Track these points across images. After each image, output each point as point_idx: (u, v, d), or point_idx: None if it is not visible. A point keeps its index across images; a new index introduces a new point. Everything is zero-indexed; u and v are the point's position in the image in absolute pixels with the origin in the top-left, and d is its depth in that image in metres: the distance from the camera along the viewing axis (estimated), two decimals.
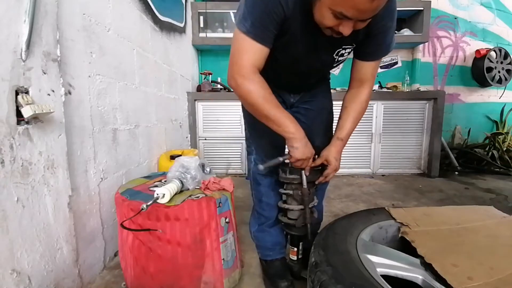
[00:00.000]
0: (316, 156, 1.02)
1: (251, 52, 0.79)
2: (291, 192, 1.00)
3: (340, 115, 1.02)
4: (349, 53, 0.93)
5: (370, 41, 0.89)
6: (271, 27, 0.78)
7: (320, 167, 1.01)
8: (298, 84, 1.08)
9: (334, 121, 1.13)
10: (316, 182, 1.00)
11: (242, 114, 1.14)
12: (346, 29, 0.71)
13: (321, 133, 1.14)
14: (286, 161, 0.95)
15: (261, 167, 0.95)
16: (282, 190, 1.04)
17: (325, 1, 0.68)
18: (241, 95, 0.83)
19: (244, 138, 1.15)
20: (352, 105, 0.98)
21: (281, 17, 0.77)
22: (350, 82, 1.01)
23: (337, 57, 0.92)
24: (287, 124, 0.85)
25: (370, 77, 0.96)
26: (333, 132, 1.05)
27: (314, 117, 1.13)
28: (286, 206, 1.02)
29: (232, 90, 1.11)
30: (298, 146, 0.87)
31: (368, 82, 0.97)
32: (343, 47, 0.89)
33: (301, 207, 0.98)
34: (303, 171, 0.93)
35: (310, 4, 0.75)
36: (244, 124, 1.16)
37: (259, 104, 0.82)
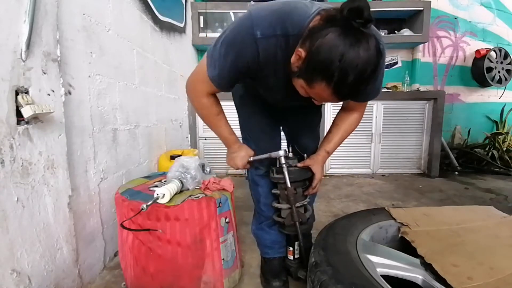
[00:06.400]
0: (305, 155, 1.05)
1: (209, 88, 0.85)
2: (279, 191, 1.02)
3: (330, 128, 1.04)
4: None
5: None
6: (233, 81, 0.83)
7: (307, 170, 1.01)
8: (284, 108, 1.12)
9: (329, 121, 1.14)
10: (306, 193, 1.02)
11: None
12: (318, 102, 0.76)
13: (306, 132, 1.16)
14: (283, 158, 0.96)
15: (250, 159, 1.01)
16: (273, 190, 1.06)
17: (301, 83, 0.70)
18: (193, 107, 0.96)
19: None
20: (342, 124, 1.01)
21: (249, 73, 0.80)
22: (341, 106, 1.01)
23: None
24: (223, 139, 1.01)
25: (360, 108, 0.98)
26: (321, 135, 1.09)
27: (301, 115, 1.15)
28: (276, 205, 1.04)
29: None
30: (229, 153, 1.03)
31: (359, 110, 0.99)
32: None
33: (289, 206, 0.99)
34: (285, 171, 0.95)
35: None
36: (239, 122, 1.16)
37: (204, 119, 0.96)
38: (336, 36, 0.59)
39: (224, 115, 0.96)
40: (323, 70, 0.62)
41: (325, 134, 1.05)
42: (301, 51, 0.65)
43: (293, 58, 0.69)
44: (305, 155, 1.05)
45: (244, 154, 1.00)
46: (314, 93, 0.69)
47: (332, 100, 0.69)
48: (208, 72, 0.80)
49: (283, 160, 0.95)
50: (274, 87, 0.88)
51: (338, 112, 1.03)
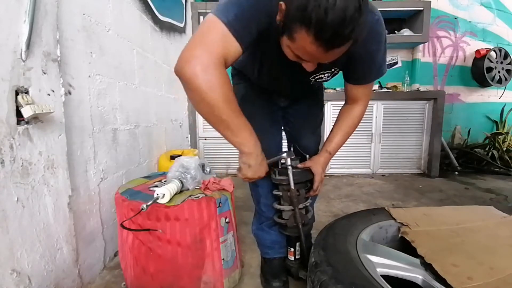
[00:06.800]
0: (308, 156, 1.04)
1: (226, 45, 0.64)
2: (281, 193, 1.01)
3: (332, 127, 1.03)
4: (329, 76, 0.91)
5: (356, 66, 0.85)
6: (253, 30, 0.68)
7: (309, 171, 1.00)
8: (286, 93, 1.09)
9: (330, 121, 1.14)
10: (307, 195, 1.01)
11: None
12: (308, 67, 0.71)
13: (308, 132, 1.16)
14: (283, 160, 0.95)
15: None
16: (274, 192, 1.05)
17: (285, 41, 0.66)
18: (197, 89, 0.63)
19: None
20: (344, 120, 0.99)
21: (264, 27, 0.71)
22: (345, 98, 1.00)
23: (314, 79, 0.90)
24: (245, 136, 0.74)
25: (362, 97, 0.96)
26: (322, 133, 1.05)
27: (302, 116, 1.14)
28: (278, 207, 1.03)
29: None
30: (252, 164, 0.79)
31: (361, 101, 0.97)
32: (322, 72, 0.87)
33: (292, 207, 0.98)
34: (290, 172, 0.93)
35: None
36: None
37: (219, 105, 0.65)
38: None
39: None
40: (301, 14, 0.57)
41: (325, 137, 1.04)
42: (282, 4, 0.62)
43: (277, 16, 0.65)
44: (307, 156, 1.04)
45: (265, 163, 0.86)
46: (297, 48, 0.63)
47: (317, 53, 0.60)
48: (221, 18, 0.63)
49: (289, 161, 0.93)
50: (274, 58, 0.82)
51: (341, 108, 1.02)
